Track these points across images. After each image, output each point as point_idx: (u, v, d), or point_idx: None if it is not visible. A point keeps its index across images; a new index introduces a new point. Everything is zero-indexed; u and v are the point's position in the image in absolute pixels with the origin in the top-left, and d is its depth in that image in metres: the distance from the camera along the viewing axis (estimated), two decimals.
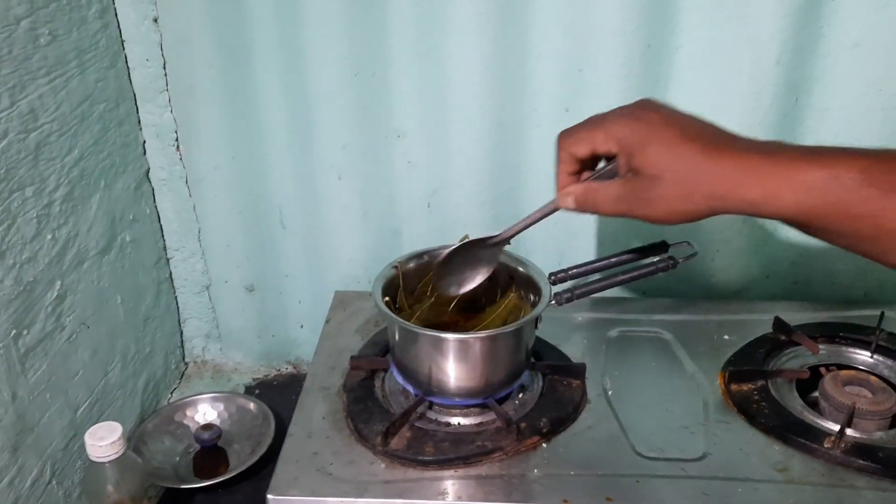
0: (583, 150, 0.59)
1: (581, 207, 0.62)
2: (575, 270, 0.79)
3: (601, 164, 0.62)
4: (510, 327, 0.73)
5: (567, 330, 0.91)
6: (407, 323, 0.73)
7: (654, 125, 0.55)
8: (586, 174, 0.62)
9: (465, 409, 0.77)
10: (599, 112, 0.60)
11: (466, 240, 0.73)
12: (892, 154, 0.49)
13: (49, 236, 0.76)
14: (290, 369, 1.11)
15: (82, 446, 0.73)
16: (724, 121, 0.89)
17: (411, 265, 0.81)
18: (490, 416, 0.76)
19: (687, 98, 0.88)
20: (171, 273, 1.05)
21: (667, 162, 0.54)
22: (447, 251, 0.73)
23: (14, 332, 0.71)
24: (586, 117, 0.61)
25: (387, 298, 0.76)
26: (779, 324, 0.88)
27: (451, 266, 0.74)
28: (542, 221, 0.67)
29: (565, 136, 0.61)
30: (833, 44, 0.85)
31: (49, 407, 0.77)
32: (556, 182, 0.63)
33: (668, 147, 0.54)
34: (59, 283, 0.78)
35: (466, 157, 0.95)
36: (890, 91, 0.86)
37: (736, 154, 0.52)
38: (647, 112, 0.57)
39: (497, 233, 0.72)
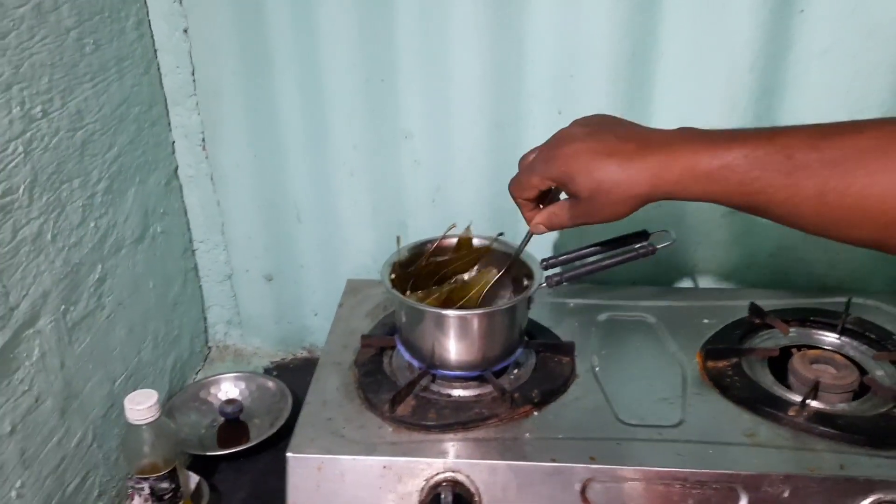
0: (530, 193, 0.73)
1: (550, 229, 0.75)
2: (564, 256, 0.87)
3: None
4: (505, 305, 0.81)
5: (560, 314, 0.98)
6: (412, 301, 0.81)
7: (574, 158, 0.66)
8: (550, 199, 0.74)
9: (464, 381, 0.84)
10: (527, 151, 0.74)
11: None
12: (773, 133, 0.58)
13: (92, 224, 0.85)
14: (305, 354, 1.19)
15: (119, 414, 0.82)
16: (703, 121, 0.97)
17: (414, 252, 0.89)
18: (487, 388, 0.83)
19: (668, 101, 0.95)
20: (196, 263, 1.13)
21: (592, 185, 0.64)
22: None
23: (63, 307, 0.80)
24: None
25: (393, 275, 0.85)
26: (754, 308, 0.95)
27: (489, 298, 0.87)
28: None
29: (513, 187, 0.74)
30: (803, 52, 0.91)
31: (91, 377, 0.85)
32: (525, 218, 0.76)
33: (589, 173, 0.64)
34: (100, 266, 0.87)
35: (468, 156, 1.02)
36: (856, 94, 0.93)
37: (646, 158, 0.62)
38: (563, 147, 0.67)
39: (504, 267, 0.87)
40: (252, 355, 1.19)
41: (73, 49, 0.80)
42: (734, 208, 0.60)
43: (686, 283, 1.09)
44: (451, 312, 0.80)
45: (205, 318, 1.18)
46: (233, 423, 0.99)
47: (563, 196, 0.73)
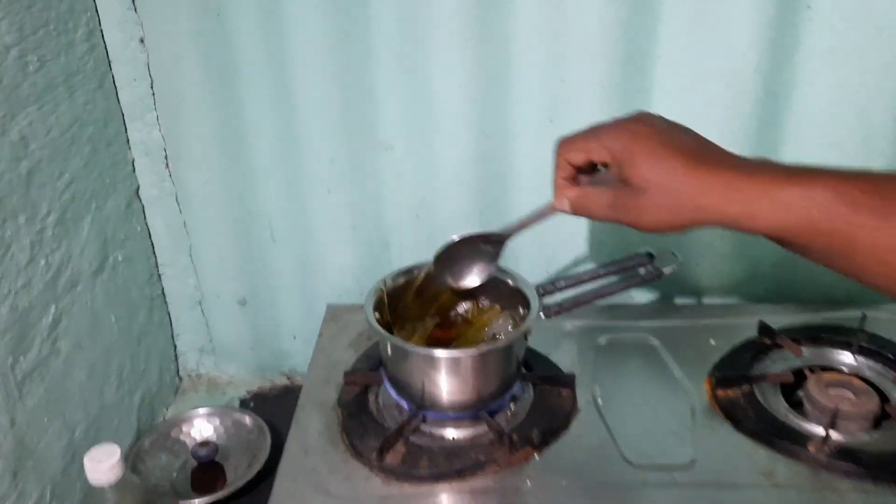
0: (578, 158, 0.62)
1: (575, 211, 0.64)
2: (563, 283, 0.81)
3: (601, 170, 0.63)
4: (501, 343, 0.74)
5: (557, 338, 0.92)
6: (400, 340, 0.74)
7: (645, 139, 0.57)
8: (584, 178, 0.64)
9: (458, 421, 0.78)
10: (596, 122, 0.62)
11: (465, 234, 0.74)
12: (863, 174, 0.51)
13: (42, 262, 0.77)
14: (285, 381, 1.13)
15: (81, 468, 0.74)
16: (704, 128, 0.90)
17: (400, 281, 0.82)
18: (483, 427, 0.77)
19: (667, 106, 0.89)
20: (163, 289, 1.06)
21: (654, 175, 0.56)
22: (449, 242, 0.74)
23: (10, 359, 0.72)
24: (577, 127, 0.62)
25: (377, 314, 0.78)
26: (763, 327, 0.90)
27: (454, 257, 0.76)
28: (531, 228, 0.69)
29: (564, 143, 0.63)
30: (810, 50, 0.86)
31: (47, 430, 0.78)
32: (554, 185, 0.64)
33: (655, 161, 0.56)
34: (53, 307, 0.79)
35: (453, 169, 0.96)
36: (864, 94, 0.88)
37: (720, 171, 0.54)
38: (640, 125, 0.58)
39: (497, 231, 0.73)
40: (227, 384, 1.12)
41: (13, 69, 0.72)
42: (800, 250, 0.53)
43: (688, 297, 1.03)
44: (443, 353, 0.73)
45: (174, 347, 1.11)
46: (207, 465, 0.92)
47: None
